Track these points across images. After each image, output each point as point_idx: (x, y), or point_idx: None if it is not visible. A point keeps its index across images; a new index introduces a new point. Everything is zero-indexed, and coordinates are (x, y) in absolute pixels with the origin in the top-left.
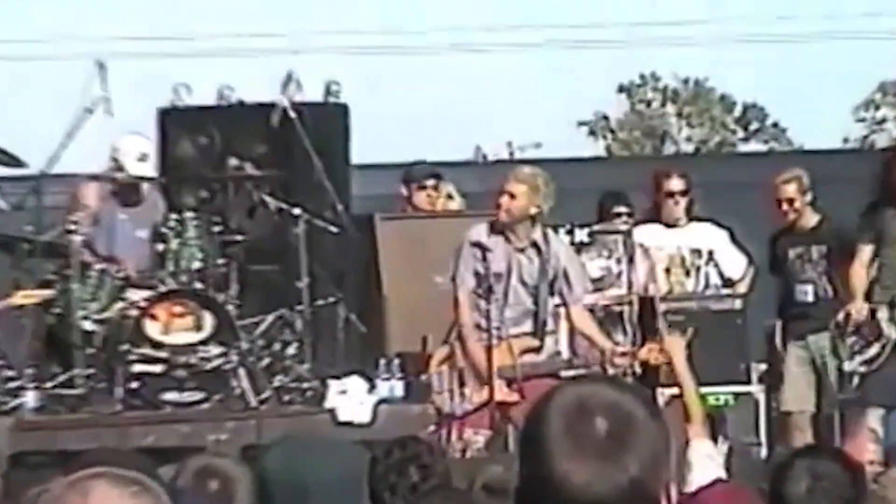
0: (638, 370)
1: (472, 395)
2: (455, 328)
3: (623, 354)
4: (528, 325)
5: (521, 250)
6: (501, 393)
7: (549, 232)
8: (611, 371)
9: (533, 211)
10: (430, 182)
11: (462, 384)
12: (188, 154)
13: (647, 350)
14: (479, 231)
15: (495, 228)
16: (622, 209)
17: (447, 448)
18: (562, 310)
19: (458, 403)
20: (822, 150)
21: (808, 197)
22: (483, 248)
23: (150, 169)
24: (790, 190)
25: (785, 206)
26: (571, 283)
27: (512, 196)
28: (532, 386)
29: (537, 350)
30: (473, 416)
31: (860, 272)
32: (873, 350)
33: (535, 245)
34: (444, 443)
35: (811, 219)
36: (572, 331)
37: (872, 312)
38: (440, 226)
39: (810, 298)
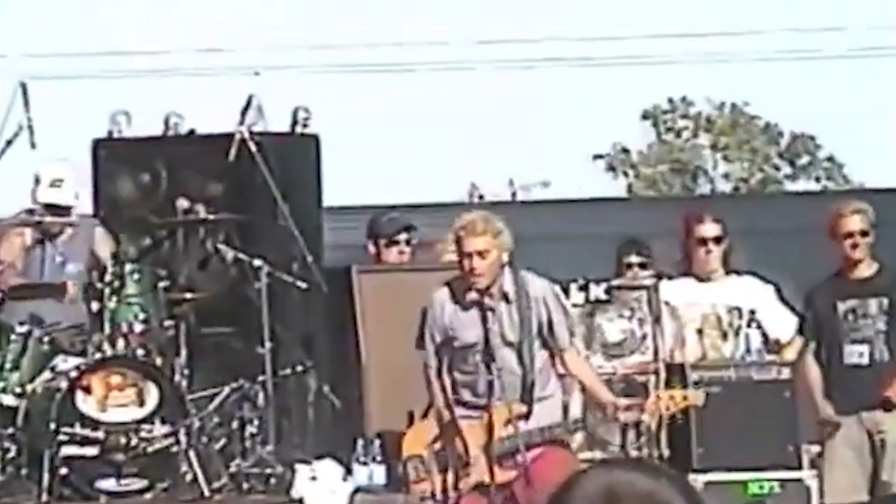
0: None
1: (456, 482)
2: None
3: (629, 408)
4: (516, 391)
5: (493, 310)
6: (496, 474)
7: (522, 273)
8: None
9: (505, 259)
10: (402, 237)
11: (444, 469)
12: (128, 193)
13: (656, 400)
14: (441, 299)
15: (459, 292)
16: (635, 259)
17: None
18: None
19: (436, 493)
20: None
21: (870, 238)
22: (449, 317)
23: (66, 196)
24: (856, 221)
25: (846, 245)
26: (555, 328)
27: (481, 254)
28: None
29: (526, 416)
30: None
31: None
32: None
33: (505, 297)
34: None
35: (868, 267)
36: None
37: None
38: (430, 281)
39: (865, 361)
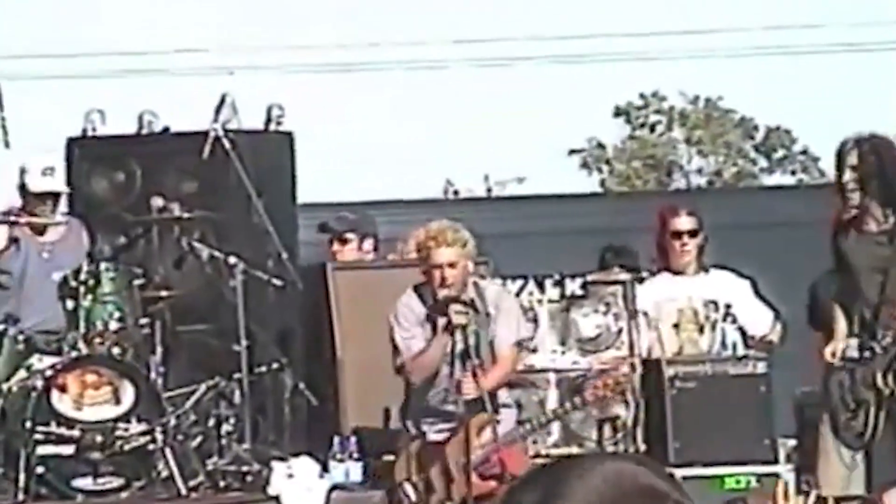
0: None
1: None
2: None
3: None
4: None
5: (462, 326)
6: (474, 488)
7: (481, 284)
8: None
9: (472, 268)
10: (351, 235)
11: (430, 490)
12: (103, 192)
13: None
14: (410, 303)
15: (427, 298)
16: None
17: None
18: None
19: None
20: None
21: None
22: (420, 323)
23: (59, 184)
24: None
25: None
26: (498, 323)
27: (452, 265)
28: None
29: (495, 423)
30: None
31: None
32: (860, 418)
33: (472, 305)
34: None
35: None
36: None
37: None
38: (406, 277)
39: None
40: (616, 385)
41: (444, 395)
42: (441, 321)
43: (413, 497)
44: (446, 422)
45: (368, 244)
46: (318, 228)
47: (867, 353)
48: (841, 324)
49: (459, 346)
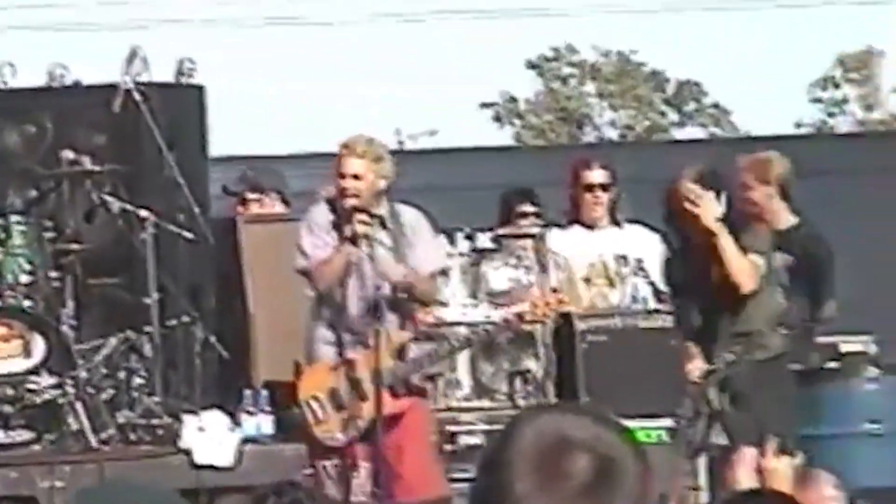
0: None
1: (350, 420)
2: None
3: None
4: (394, 320)
5: (367, 237)
6: (386, 405)
7: (397, 205)
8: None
9: (382, 185)
10: (252, 196)
11: (340, 407)
12: (13, 145)
13: (532, 307)
14: (322, 211)
15: (336, 211)
16: (529, 208)
17: (326, 492)
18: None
19: (337, 433)
20: (771, 135)
21: (772, 190)
22: (330, 234)
23: None
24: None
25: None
26: (416, 248)
27: (356, 177)
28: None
29: (410, 343)
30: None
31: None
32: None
33: (381, 222)
34: (322, 485)
35: (781, 218)
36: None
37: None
38: None
39: None
40: (547, 307)
41: (353, 308)
42: (346, 231)
43: (320, 414)
44: (360, 339)
45: (270, 200)
46: (222, 191)
47: (710, 367)
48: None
49: (365, 256)
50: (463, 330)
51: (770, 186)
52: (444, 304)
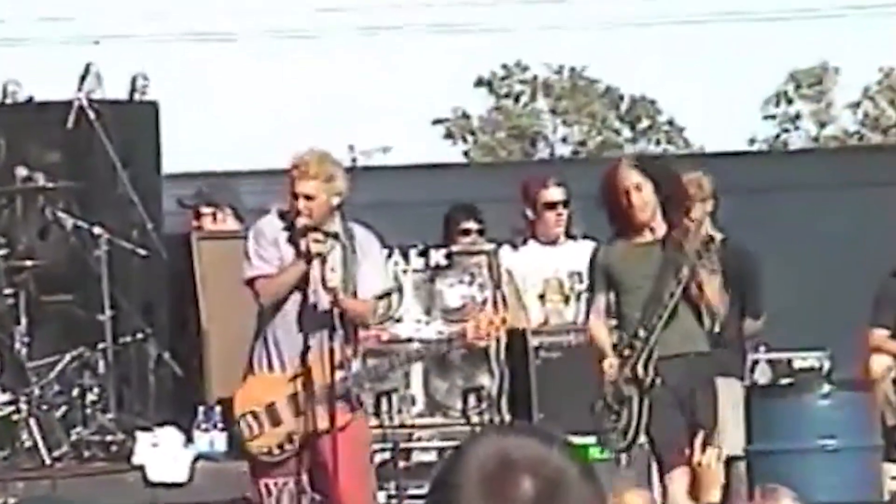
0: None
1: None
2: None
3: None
4: (337, 336)
5: (320, 255)
6: (322, 420)
7: (350, 223)
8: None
9: (335, 202)
10: (205, 210)
11: (276, 422)
12: None
13: (476, 327)
14: (272, 224)
15: (287, 224)
16: (472, 225)
17: None
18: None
19: (274, 449)
20: (724, 152)
21: (709, 207)
22: (281, 249)
23: None
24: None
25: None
26: (363, 268)
27: (309, 197)
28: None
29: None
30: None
31: (600, 325)
32: (623, 420)
33: (334, 237)
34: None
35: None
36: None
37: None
38: None
39: None
40: (491, 326)
41: (298, 324)
42: (302, 247)
43: (256, 430)
44: (302, 354)
45: (224, 215)
46: (176, 203)
47: (627, 351)
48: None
49: (315, 274)
50: (416, 345)
51: (706, 203)
52: (398, 321)
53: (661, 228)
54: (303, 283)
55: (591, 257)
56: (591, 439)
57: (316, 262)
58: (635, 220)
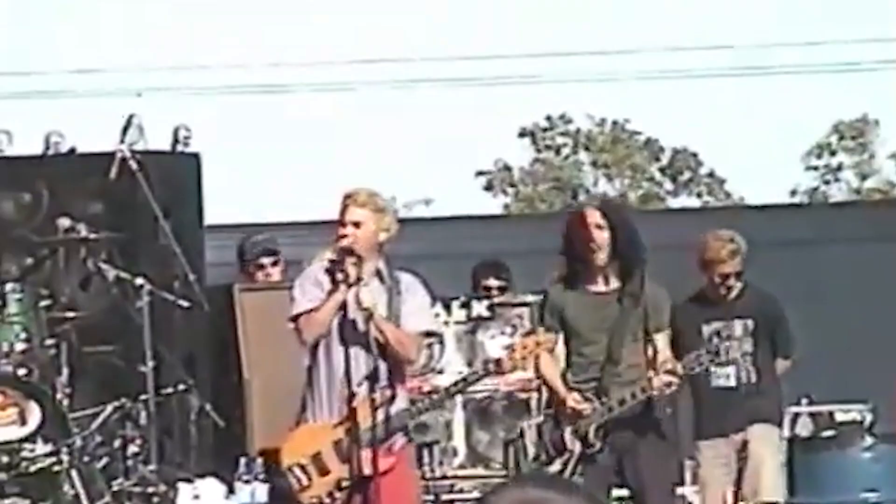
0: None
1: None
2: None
3: (491, 374)
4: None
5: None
6: (368, 465)
7: (398, 272)
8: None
9: (382, 238)
10: (265, 260)
11: (324, 472)
12: (9, 213)
13: (511, 355)
14: (318, 269)
15: (333, 273)
16: (493, 282)
17: None
18: None
19: (325, 498)
20: (766, 204)
21: (739, 265)
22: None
23: None
24: (732, 265)
25: (718, 283)
26: (408, 306)
27: (356, 224)
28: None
29: (391, 401)
30: None
31: (549, 361)
32: (556, 467)
33: (378, 275)
34: None
35: (734, 287)
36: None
37: (557, 421)
38: None
39: (732, 383)
40: (524, 350)
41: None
42: (338, 276)
43: (304, 481)
44: (346, 401)
45: (277, 267)
46: (236, 252)
47: (582, 406)
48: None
49: (351, 299)
50: (458, 398)
51: (736, 259)
52: (440, 372)
53: (614, 281)
54: (344, 319)
55: (543, 296)
56: (625, 492)
57: (354, 289)
58: (595, 262)
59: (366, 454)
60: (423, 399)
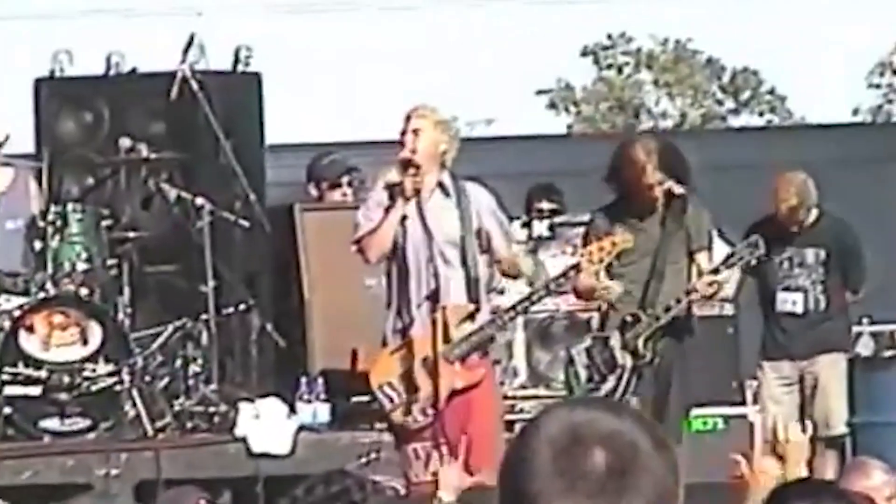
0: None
1: (426, 399)
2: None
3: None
4: (460, 288)
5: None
6: (458, 378)
7: (463, 182)
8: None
9: (442, 147)
10: (344, 179)
11: (414, 389)
12: (71, 133)
13: (589, 255)
14: (380, 191)
15: (394, 191)
16: (545, 205)
17: (413, 474)
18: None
19: (417, 415)
20: (827, 123)
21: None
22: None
23: None
24: (797, 204)
25: (786, 217)
26: (489, 220)
27: (416, 132)
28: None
29: (473, 316)
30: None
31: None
32: (609, 384)
33: (441, 186)
34: (409, 468)
35: (809, 214)
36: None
37: (605, 340)
38: None
39: (799, 309)
40: (601, 252)
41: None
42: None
43: (396, 399)
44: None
45: (353, 188)
46: (307, 172)
47: (630, 319)
48: None
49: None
50: (519, 318)
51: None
52: (500, 293)
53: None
54: (406, 230)
55: (590, 220)
56: (694, 411)
57: (414, 201)
58: (645, 197)
59: (455, 368)
60: (500, 315)
